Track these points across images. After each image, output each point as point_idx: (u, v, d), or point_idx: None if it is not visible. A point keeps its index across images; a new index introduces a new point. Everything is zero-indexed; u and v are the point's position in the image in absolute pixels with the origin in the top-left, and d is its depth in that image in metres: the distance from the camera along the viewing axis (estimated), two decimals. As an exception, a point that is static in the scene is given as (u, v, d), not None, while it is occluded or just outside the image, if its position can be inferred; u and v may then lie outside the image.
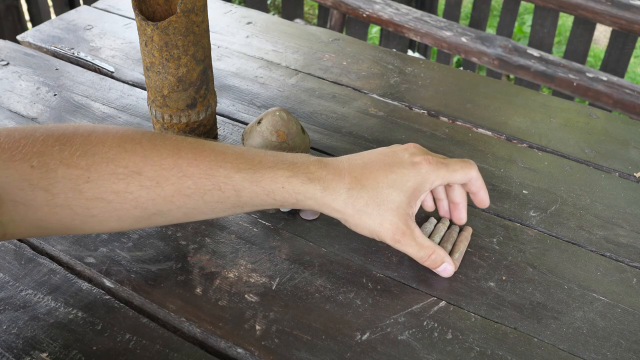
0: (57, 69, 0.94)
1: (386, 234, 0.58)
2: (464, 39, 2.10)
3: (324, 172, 0.57)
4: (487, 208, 0.71)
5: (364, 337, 0.56)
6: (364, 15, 2.24)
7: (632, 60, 3.12)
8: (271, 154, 0.58)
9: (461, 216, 0.66)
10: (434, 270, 0.61)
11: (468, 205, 0.71)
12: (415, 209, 0.60)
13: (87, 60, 0.97)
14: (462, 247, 0.65)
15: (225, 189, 0.55)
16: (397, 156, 0.59)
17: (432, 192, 0.68)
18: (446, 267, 0.61)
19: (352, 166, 0.58)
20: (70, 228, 0.54)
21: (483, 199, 0.64)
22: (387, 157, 0.59)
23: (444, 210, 0.68)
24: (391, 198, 0.57)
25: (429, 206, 0.68)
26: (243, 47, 1.03)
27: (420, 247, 0.59)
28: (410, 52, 2.84)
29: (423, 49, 2.91)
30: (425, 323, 0.58)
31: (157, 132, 0.60)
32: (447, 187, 0.65)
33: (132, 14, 1.11)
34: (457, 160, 0.61)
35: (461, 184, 0.63)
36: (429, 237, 0.66)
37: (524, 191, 0.74)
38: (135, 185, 0.53)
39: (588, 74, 1.96)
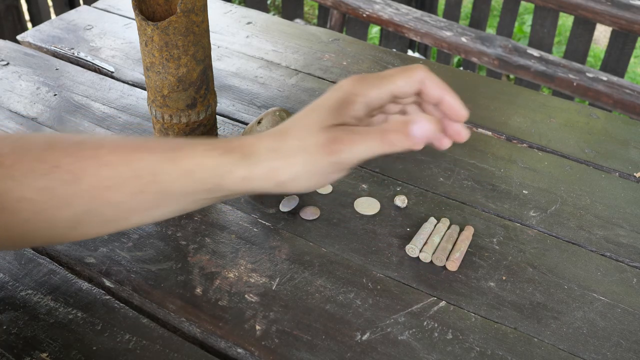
0: (57, 69, 0.94)
1: (321, 154, 0.45)
2: (464, 39, 2.10)
3: (243, 140, 0.49)
4: (487, 208, 0.71)
5: (364, 337, 0.56)
6: (364, 15, 2.24)
7: (632, 60, 3.13)
8: (197, 139, 0.52)
9: (456, 128, 0.50)
10: (420, 143, 0.46)
11: (468, 205, 0.71)
12: (349, 118, 0.47)
13: (87, 60, 0.97)
14: (463, 247, 0.65)
15: (143, 175, 0.49)
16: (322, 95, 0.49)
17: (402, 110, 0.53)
18: (417, 127, 0.45)
19: (275, 126, 0.50)
20: (10, 239, 0.52)
21: (453, 105, 0.49)
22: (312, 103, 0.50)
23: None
24: (311, 122, 0.46)
25: (393, 110, 0.53)
26: (243, 47, 1.03)
27: (370, 138, 0.45)
28: (410, 52, 2.84)
29: (423, 49, 2.91)
30: (425, 323, 0.58)
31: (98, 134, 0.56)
32: (422, 104, 0.53)
33: (132, 14, 1.11)
34: (395, 69, 0.49)
35: (415, 92, 0.50)
36: (429, 237, 0.66)
37: (524, 191, 0.74)
38: (55, 180, 0.50)
39: (588, 74, 1.96)
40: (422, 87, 0.49)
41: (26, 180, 0.50)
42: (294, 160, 0.46)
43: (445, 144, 0.50)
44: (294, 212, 0.69)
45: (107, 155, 0.50)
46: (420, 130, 0.45)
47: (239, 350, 0.55)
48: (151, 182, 0.50)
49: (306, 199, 0.71)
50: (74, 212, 0.51)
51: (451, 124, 0.50)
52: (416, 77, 0.48)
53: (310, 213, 0.69)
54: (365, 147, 0.45)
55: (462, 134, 0.50)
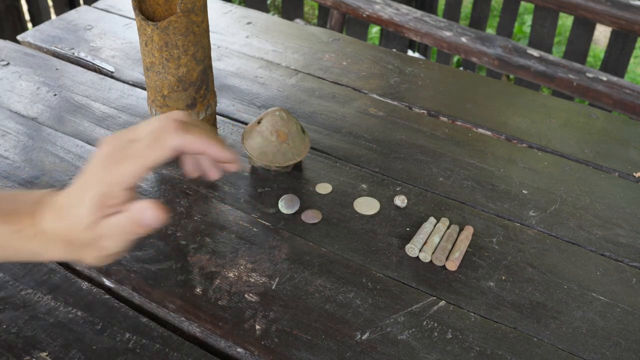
0: (57, 69, 0.94)
1: (88, 251, 0.51)
2: (464, 39, 2.10)
3: (31, 215, 0.51)
4: (487, 208, 0.71)
5: (364, 337, 0.56)
6: (364, 15, 2.24)
7: (632, 60, 3.13)
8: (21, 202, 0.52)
9: (212, 170, 0.55)
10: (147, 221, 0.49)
11: (468, 205, 0.72)
12: (113, 207, 0.49)
13: (87, 60, 0.97)
14: (463, 247, 0.65)
15: None
16: (83, 172, 0.51)
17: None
18: (147, 217, 0.49)
19: (55, 201, 0.51)
20: None
21: (217, 155, 0.50)
22: (80, 177, 0.51)
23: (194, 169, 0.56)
24: (78, 215, 0.49)
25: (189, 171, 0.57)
26: (243, 47, 1.03)
27: (122, 235, 0.50)
28: (410, 52, 2.84)
29: (423, 49, 2.91)
30: (425, 323, 0.58)
31: None
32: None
33: (132, 14, 1.11)
34: (148, 136, 0.49)
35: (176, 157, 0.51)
36: (429, 237, 0.66)
37: (524, 191, 0.74)
38: None
39: (588, 74, 1.96)
40: (181, 151, 0.49)
41: None
42: (57, 247, 0.50)
43: (213, 175, 0.54)
44: (294, 212, 0.69)
45: None
46: (149, 220, 0.49)
47: (239, 349, 0.55)
48: None
49: (307, 199, 0.71)
50: None
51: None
52: (168, 149, 0.48)
53: (311, 216, 0.69)
54: (119, 241, 0.50)
55: (231, 167, 0.53)
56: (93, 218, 0.49)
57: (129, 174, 0.49)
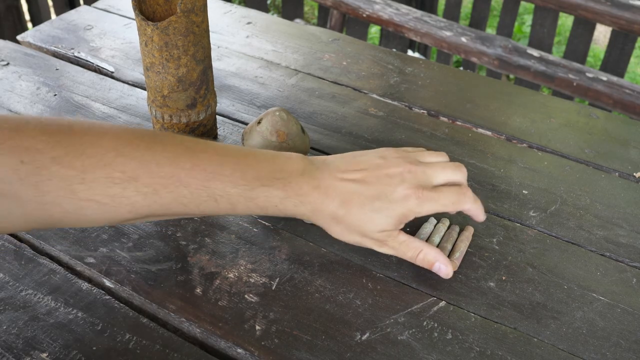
0: (57, 69, 0.94)
1: (375, 245, 0.61)
2: (464, 39, 2.10)
3: (314, 195, 0.59)
4: (487, 208, 0.71)
5: (364, 337, 0.56)
6: (364, 15, 2.24)
7: (632, 60, 3.12)
8: (267, 166, 0.58)
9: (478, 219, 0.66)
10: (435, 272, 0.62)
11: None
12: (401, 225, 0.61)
13: (87, 60, 0.97)
14: (463, 247, 0.65)
15: (221, 202, 0.57)
16: (390, 186, 0.59)
17: None
18: (440, 267, 0.61)
19: (343, 189, 0.59)
20: (61, 223, 0.54)
21: (478, 218, 0.65)
22: (380, 182, 0.60)
23: None
24: (376, 221, 0.59)
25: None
26: (243, 47, 1.03)
27: (407, 255, 0.62)
28: (410, 52, 2.84)
29: (423, 49, 2.91)
30: (425, 323, 0.58)
31: (154, 132, 0.59)
32: None
33: (132, 14, 1.11)
34: (450, 193, 0.61)
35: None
36: (429, 237, 0.66)
37: (524, 191, 0.74)
38: (131, 190, 0.53)
39: (588, 74, 1.96)
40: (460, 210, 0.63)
41: (98, 186, 0.52)
42: (349, 236, 0.61)
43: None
44: (294, 212, 0.69)
45: (185, 178, 0.55)
46: (439, 272, 0.62)
47: (239, 350, 0.55)
48: (228, 208, 0.58)
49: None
50: (139, 215, 0.55)
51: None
52: (462, 208, 0.63)
53: (310, 213, 0.69)
54: (401, 252, 0.62)
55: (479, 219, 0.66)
56: (390, 228, 0.60)
57: (427, 213, 0.60)
